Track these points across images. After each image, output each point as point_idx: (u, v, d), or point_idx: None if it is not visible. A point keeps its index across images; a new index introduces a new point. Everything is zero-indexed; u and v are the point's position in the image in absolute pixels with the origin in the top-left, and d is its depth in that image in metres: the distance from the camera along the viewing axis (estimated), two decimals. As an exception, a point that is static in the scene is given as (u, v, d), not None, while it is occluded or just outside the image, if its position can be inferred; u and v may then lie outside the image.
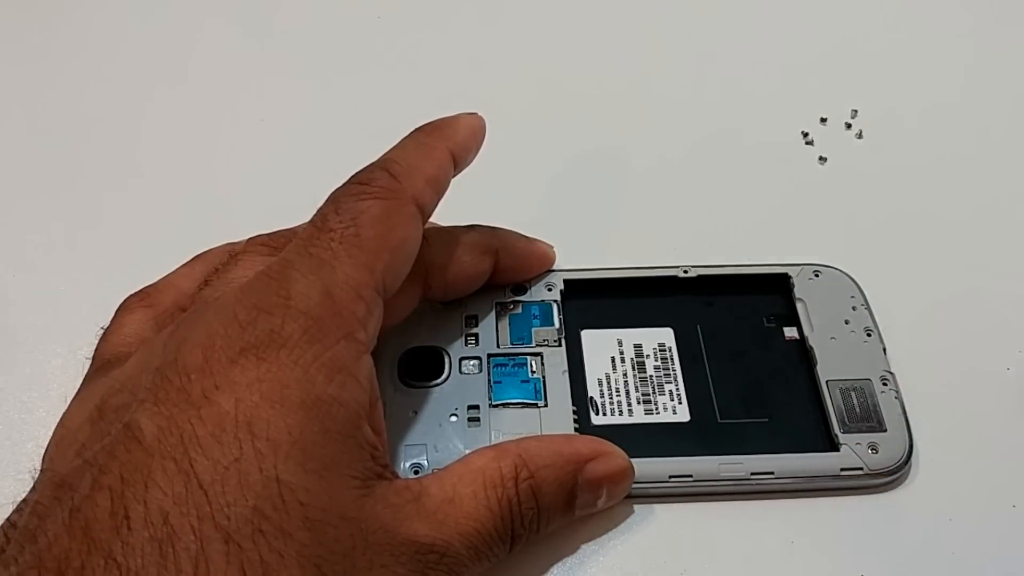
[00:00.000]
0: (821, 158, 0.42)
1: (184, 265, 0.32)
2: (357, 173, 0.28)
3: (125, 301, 0.30)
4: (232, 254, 0.29)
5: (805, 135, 0.42)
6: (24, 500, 0.24)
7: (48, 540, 0.22)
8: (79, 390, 0.28)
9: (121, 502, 0.22)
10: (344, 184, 0.28)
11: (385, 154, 0.29)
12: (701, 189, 0.41)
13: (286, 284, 0.25)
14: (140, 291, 0.30)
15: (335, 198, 0.27)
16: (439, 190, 0.29)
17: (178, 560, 0.21)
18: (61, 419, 0.26)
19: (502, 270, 0.34)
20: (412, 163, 0.28)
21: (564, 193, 0.41)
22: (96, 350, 0.29)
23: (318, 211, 0.27)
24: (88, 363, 0.29)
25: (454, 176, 0.30)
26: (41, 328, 0.36)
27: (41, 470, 0.25)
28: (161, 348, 0.25)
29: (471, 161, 0.31)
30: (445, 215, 0.34)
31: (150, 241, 0.38)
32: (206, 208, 0.39)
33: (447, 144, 0.29)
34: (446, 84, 0.44)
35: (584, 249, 0.36)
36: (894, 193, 0.40)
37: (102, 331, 0.29)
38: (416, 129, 0.30)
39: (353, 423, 0.24)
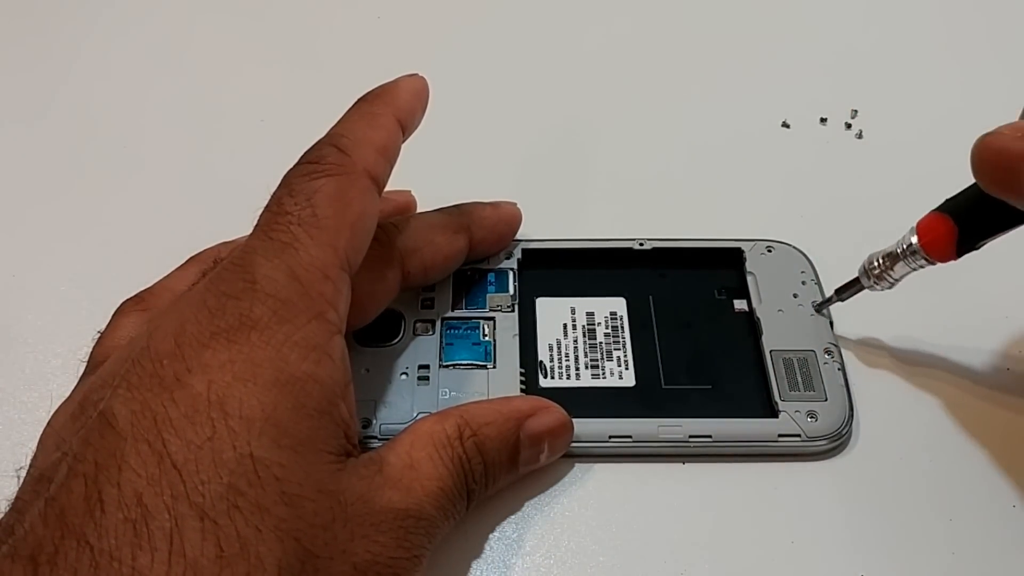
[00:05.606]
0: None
1: (178, 268, 0.32)
2: (306, 152, 0.28)
3: (121, 305, 0.30)
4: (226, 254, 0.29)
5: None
6: (9, 499, 0.24)
7: (24, 531, 0.22)
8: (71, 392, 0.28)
9: (95, 487, 0.22)
10: (295, 165, 0.27)
11: (331, 129, 0.28)
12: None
13: (251, 269, 0.25)
14: (135, 295, 0.30)
15: (288, 180, 0.27)
16: (390, 158, 0.29)
17: (152, 538, 0.21)
18: (48, 420, 0.26)
19: (478, 243, 0.34)
20: (359, 135, 0.28)
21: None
22: (91, 353, 0.29)
23: (273, 195, 0.27)
24: (84, 366, 0.29)
25: (404, 141, 0.29)
26: (41, 328, 0.36)
27: (28, 469, 0.25)
28: (138, 341, 0.25)
29: (418, 124, 0.30)
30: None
31: (150, 241, 0.38)
32: (207, 209, 0.39)
33: (391, 110, 0.29)
34: (446, 84, 0.45)
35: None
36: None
37: (99, 335, 0.30)
38: (359, 99, 0.30)
39: (329, 400, 0.25)
